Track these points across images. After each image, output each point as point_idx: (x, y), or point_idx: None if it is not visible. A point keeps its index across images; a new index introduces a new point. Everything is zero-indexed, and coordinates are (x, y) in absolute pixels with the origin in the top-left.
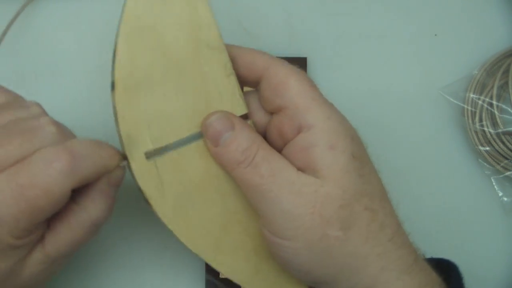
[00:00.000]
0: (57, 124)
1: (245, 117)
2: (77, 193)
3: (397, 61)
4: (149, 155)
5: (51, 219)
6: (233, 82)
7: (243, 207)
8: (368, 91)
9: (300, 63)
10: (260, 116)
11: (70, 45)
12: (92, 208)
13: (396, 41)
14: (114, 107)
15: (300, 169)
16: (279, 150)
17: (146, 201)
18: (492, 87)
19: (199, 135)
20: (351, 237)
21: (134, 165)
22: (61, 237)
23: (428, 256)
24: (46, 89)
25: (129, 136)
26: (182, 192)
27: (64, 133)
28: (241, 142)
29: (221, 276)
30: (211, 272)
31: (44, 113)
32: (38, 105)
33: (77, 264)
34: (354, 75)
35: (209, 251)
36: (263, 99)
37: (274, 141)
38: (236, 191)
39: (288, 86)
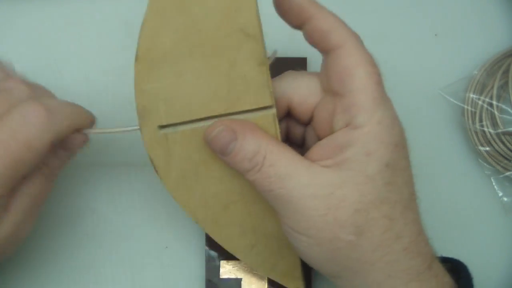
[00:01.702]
0: (28, 83)
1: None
2: None
3: (397, 61)
4: (162, 127)
5: None
6: (264, 72)
7: (249, 189)
8: None
9: (300, 63)
10: (312, 98)
11: (70, 45)
12: (44, 165)
13: (396, 41)
14: (135, 79)
15: (326, 165)
16: (323, 131)
17: (154, 169)
18: (492, 87)
19: (215, 118)
20: (362, 243)
21: (145, 135)
22: (19, 192)
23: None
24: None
25: (144, 108)
26: (188, 167)
27: (37, 91)
28: (246, 151)
29: (221, 276)
30: (211, 272)
31: (14, 73)
32: (8, 65)
33: (77, 264)
34: None
35: (207, 222)
36: (325, 75)
37: (322, 120)
38: None
39: (354, 78)
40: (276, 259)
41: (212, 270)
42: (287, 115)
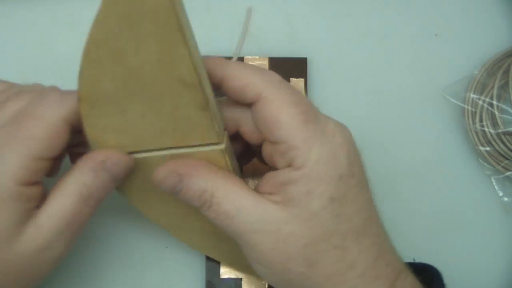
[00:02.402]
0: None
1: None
2: (73, 168)
3: (398, 61)
4: None
5: (48, 193)
6: (207, 117)
7: None
8: (368, 91)
9: (300, 63)
10: (255, 136)
11: (70, 45)
12: (81, 181)
13: (396, 41)
14: (81, 115)
15: (274, 200)
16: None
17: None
18: (493, 87)
19: (166, 150)
20: (314, 274)
21: None
22: (52, 206)
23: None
24: None
25: (95, 141)
26: (145, 187)
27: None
28: (194, 191)
29: (221, 276)
30: (211, 272)
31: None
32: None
33: (77, 264)
34: (354, 75)
35: (171, 228)
36: (256, 127)
37: (267, 157)
38: None
39: (280, 124)
40: (239, 256)
41: (212, 270)
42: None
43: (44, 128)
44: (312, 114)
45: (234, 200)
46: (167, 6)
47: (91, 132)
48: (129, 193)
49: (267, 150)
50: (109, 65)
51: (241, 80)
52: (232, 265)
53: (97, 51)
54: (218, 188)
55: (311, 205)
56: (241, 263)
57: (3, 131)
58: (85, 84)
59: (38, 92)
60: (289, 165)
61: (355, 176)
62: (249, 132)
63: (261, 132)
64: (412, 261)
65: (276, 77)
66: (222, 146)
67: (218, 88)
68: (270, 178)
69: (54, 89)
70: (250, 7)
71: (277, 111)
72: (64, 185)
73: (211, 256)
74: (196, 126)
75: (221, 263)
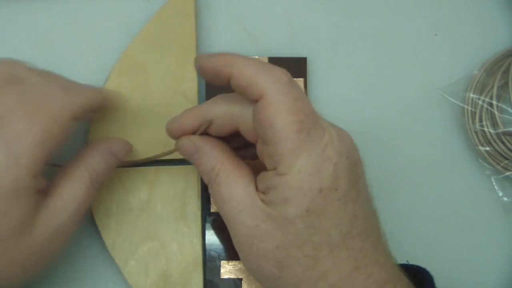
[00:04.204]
0: (38, 69)
1: None
2: (81, 154)
3: (397, 61)
4: None
5: (56, 178)
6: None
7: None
8: (368, 91)
9: (300, 63)
10: (253, 136)
11: (70, 45)
12: (90, 166)
13: (396, 41)
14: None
15: (263, 198)
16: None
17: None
18: (492, 87)
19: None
20: (284, 277)
21: None
22: (64, 190)
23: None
24: None
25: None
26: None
27: (50, 75)
28: (205, 166)
29: (221, 276)
30: (211, 272)
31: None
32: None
33: (77, 264)
34: (354, 75)
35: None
36: (253, 123)
37: (260, 155)
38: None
39: (273, 129)
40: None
41: (212, 270)
42: None
43: (57, 126)
44: (308, 123)
45: (231, 186)
46: (190, 33)
47: (93, 135)
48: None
49: (259, 148)
50: (131, 73)
51: (246, 79)
52: None
53: (129, 59)
54: (223, 171)
55: (287, 212)
56: None
57: (17, 123)
58: (109, 87)
59: (47, 84)
60: (274, 169)
61: (338, 190)
62: (247, 131)
63: (256, 129)
64: (405, 263)
65: (283, 77)
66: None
67: (227, 84)
68: (261, 178)
69: (59, 84)
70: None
71: (274, 114)
72: (74, 170)
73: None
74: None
75: (220, 264)
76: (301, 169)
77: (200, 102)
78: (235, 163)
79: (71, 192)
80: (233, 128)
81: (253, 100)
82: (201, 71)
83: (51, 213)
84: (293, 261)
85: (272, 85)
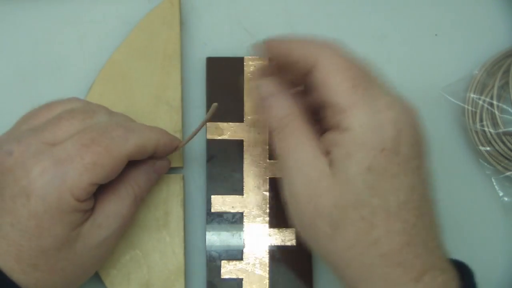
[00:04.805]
0: (108, 109)
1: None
2: (127, 171)
3: (398, 61)
4: None
5: (101, 194)
6: (179, 138)
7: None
8: None
9: None
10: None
11: (70, 45)
12: (136, 184)
13: (396, 41)
14: None
15: (326, 158)
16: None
17: None
18: (493, 87)
19: None
20: (337, 237)
21: None
22: (109, 207)
23: None
24: (46, 89)
25: None
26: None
27: (117, 115)
28: (278, 111)
29: (222, 276)
30: (212, 272)
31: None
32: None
33: None
34: None
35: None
36: (311, 91)
37: (324, 120)
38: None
39: (328, 88)
40: None
41: (213, 270)
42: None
43: (109, 160)
44: (362, 81)
45: (300, 136)
46: (175, 41)
47: None
48: None
49: (322, 110)
50: (115, 81)
51: (299, 51)
52: None
53: (112, 68)
54: (295, 120)
55: (348, 169)
56: None
57: (72, 147)
58: (91, 99)
59: (112, 122)
60: (336, 128)
61: (399, 154)
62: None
63: (317, 98)
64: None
65: (333, 45)
66: (181, 174)
67: (284, 64)
68: (323, 139)
69: (120, 123)
70: (216, 104)
71: (328, 75)
72: (120, 186)
73: None
74: None
75: (221, 264)
76: (362, 124)
77: (183, 110)
78: (305, 117)
79: (115, 209)
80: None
81: (309, 69)
82: (269, 54)
83: (95, 229)
84: (348, 222)
85: (323, 52)
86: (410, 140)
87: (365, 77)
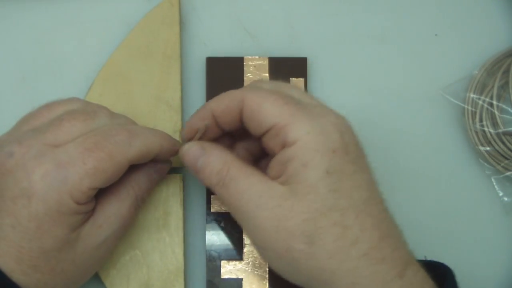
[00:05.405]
0: (110, 111)
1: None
2: (128, 172)
3: (397, 61)
4: None
5: (102, 195)
6: (177, 138)
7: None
8: (368, 91)
9: (300, 63)
10: (253, 147)
11: (70, 45)
12: (136, 185)
13: (396, 41)
14: None
15: (280, 181)
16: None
17: None
18: (493, 87)
19: None
20: (315, 251)
21: None
22: (110, 208)
23: (429, 258)
24: (46, 89)
25: None
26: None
27: (120, 117)
28: (213, 166)
29: (222, 276)
30: (212, 272)
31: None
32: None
33: None
34: (354, 75)
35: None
36: (249, 130)
37: (269, 150)
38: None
39: (263, 111)
40: None
41: (213, 270)
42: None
43: (111, 165)
44: (291, 99)
45: (245, 178)
46: (174, 41)
47: None
48: None
49: (265, 143)
50: (115, 82)
51: (225, 101)
52: None
53: (112, 68)
54: (234, 166)
55: (308, 178)
56: None
57: (75, 150)
58: (91, 96)
59: (114, 125)
60: (284, 146)
61: (349, 154)
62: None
63: (255, 131)
64: (423, 258)
65: (255, 82)
66: (181, 174)
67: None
68: (273, 164)
69: (127, 128)
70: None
71: (258, 104)
72: (120, 188)
73: None
74: None
75: (221, 264)
76: (309, 131)
77: (183, 110)
78: (239, 160)
79: (116, 210)
80: (236, 120)
81: (239, 113)
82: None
83: (95, 230)
84: (322, 231)
85: (247, 89)
86: (353, 140)
87: (291, 96)
